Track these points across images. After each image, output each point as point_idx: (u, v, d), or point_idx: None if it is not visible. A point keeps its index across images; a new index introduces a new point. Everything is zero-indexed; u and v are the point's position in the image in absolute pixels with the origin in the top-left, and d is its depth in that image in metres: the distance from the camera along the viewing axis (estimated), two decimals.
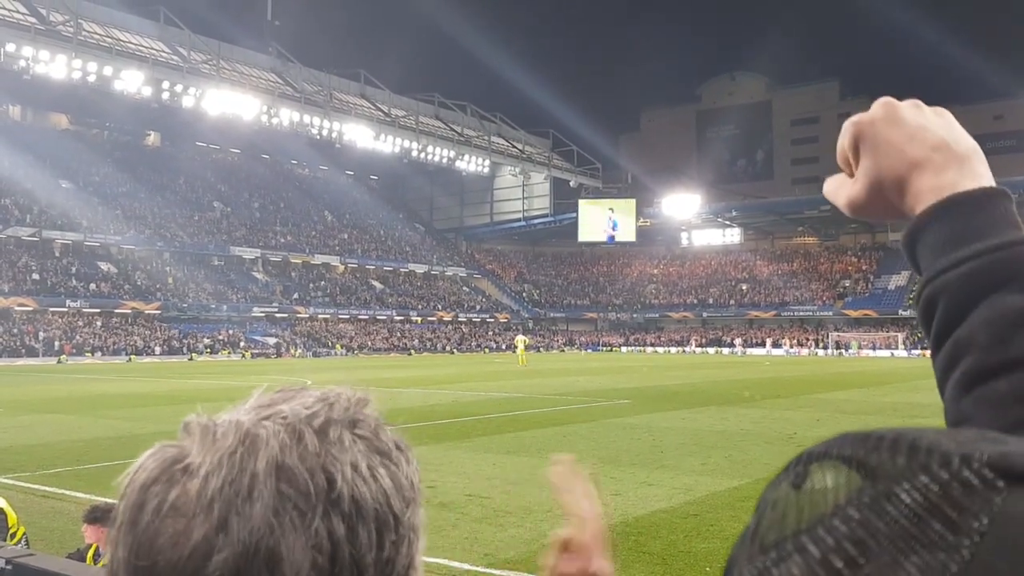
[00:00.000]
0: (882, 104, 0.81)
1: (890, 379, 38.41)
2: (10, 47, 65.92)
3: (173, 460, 0.62)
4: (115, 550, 0.62)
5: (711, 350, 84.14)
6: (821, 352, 79.11)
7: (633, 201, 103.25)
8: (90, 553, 6.57)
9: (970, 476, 0.43)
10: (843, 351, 78.28)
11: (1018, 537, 0.41)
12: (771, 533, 0.47)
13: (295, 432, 0.62)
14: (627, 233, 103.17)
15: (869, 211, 0.81)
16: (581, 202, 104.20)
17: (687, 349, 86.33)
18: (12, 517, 7.68)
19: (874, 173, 0.78)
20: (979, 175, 0.76)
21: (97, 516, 6.46)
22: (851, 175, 0.81)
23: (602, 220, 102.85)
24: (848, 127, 0.80)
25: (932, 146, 0.77)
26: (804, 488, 0.48)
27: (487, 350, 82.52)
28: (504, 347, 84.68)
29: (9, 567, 5.97)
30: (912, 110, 0.80)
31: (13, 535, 7.54)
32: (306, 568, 0.58)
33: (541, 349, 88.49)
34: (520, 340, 60.72)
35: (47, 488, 12.36)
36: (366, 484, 0.62)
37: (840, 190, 0.82)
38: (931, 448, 0.46)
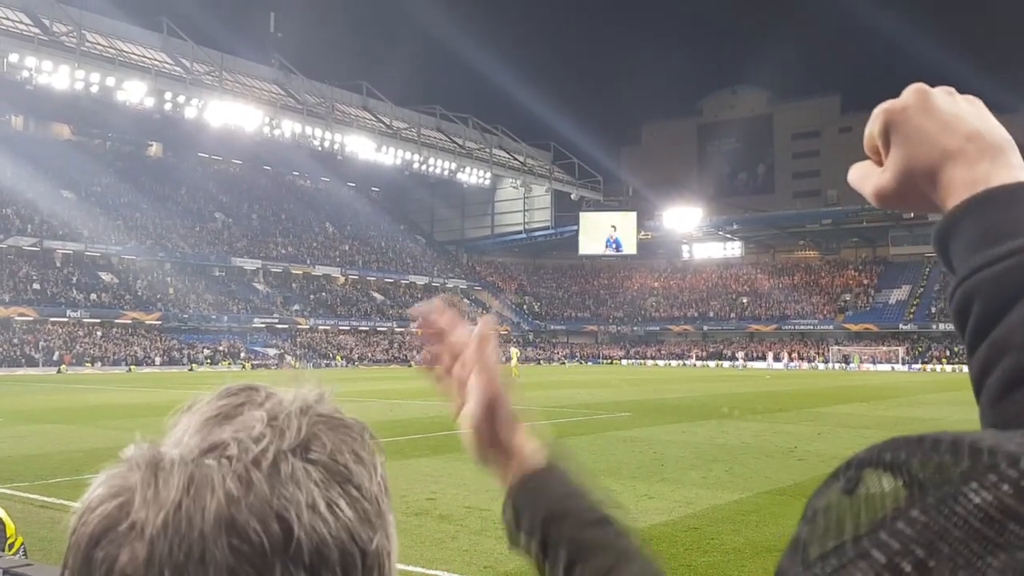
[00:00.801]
0: (914, 91, 0.78)
1: (891, 393, 38.36)
2: (13, 57, 66.14)
3: (119, 512, 0.58)
4: None
5: (712, 363, 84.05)
6: (822, 366, 79.03)
7: (634, 214, 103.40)
8: None
9: None
10: (844, 365, 78.21)
11: None
12: (827, 540, 0.46)
13: (242, 478, 0.57)
14: (628, 246, 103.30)
15: (898, 202, 0.79)
16: (583, 214, 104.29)
17: (687, 362, 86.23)
18: (10, 527, 7.64)
19: (905, 163, 0.75)
20: (1014, 166, 0.73)
21: None
22: (879, 164, 0.78)
23: (603, 232, 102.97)
24: (879, 114, 0.77)
25: (966, 135, 0.74)
26: (858, 493, 0.47)
27: None
28: (503, 359, 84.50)
29: None
30: (945, 98, 0.77)
31: (11, 545, 7.51)
32: None
33: (541, 362, 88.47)
34: (513, 352, 60.53)
35: (46, 498, 12.32)
36: (326, 524, 0.57)
37: (867, 179, 0.79)
38: (994, 449, 0.45)
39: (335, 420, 0.63)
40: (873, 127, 0.77)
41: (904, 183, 0.75)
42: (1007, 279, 0.66)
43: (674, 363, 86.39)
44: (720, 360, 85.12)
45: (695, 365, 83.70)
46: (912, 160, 0.74)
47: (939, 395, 38.09)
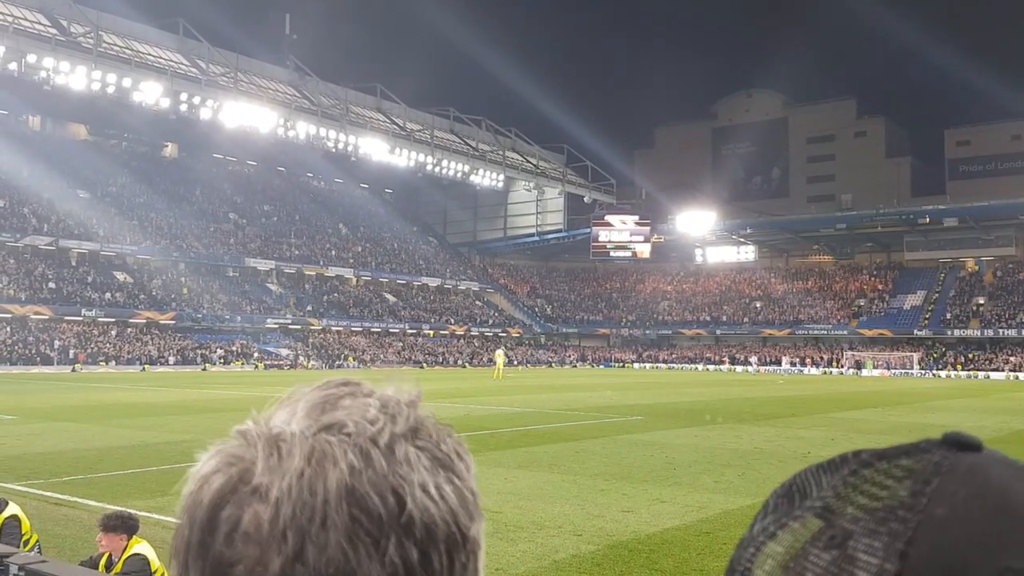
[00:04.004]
0: None
1: (905, 399, 38.17)
2: (31, 58, 66.55)
3: (239, 478, 0.60)
4: (183, 571, 0.61)
5: (724, 367, 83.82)
6: (835, 371, 78.71)
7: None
8: (103, 561, 6.57)
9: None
10: (857, 370, 77.88)
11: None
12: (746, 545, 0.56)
13: (363, 452, 0.61)
14: (641, 250, 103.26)
15: None
16: (607, 216, 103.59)
17: (700, 366, 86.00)
18: (26, 524, 7.71)
19: None
20: None
21: (114, 524, 6.46)
22: None
23: (620, 235, 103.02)
24: None
25: None
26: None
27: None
28: (515, 362, 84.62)
29: (22, 573, 5.98)
30: None
31: (27, 542, 7.56)
32: None
33: (553, 364, 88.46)
34: (499, 354, 60.13)
35: (60, 496, 12.40)
36: (435, 505, 0.61)
37: None
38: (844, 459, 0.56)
39: (434, 417, 0.67)
40: None
41: None
42: None
43: (687, 367, 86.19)
44: (733, 364, 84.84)
45: (707, 369, 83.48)
46: None
47: (953, 401, 37.92)
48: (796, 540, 0.52)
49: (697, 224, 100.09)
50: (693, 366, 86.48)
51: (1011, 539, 0.47)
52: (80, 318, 65.98)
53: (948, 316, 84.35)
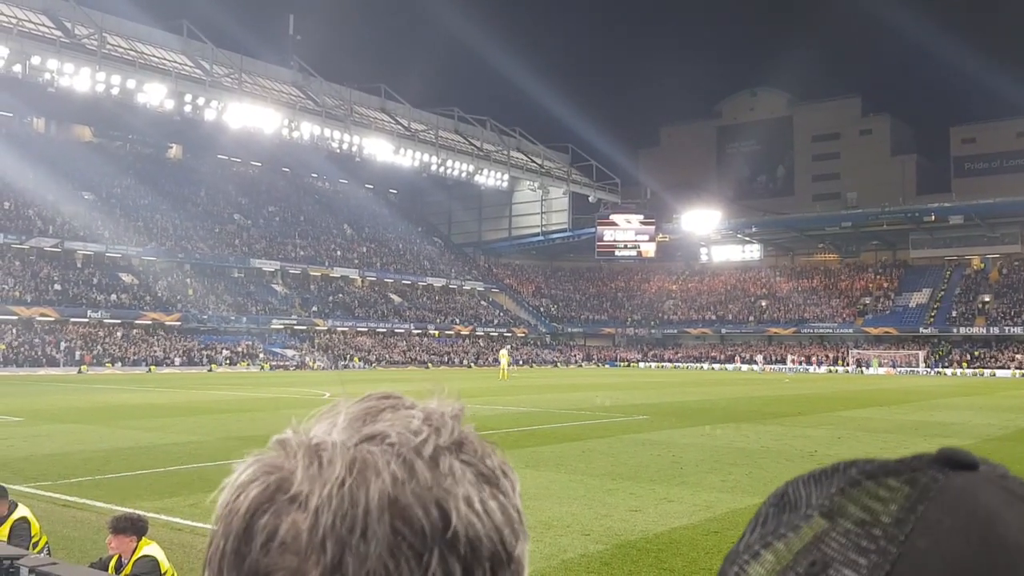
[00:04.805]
0: None
1: (911, 397, 38.11)
2: (35, 60, 66.64)
3: (277, 487, 0.59)
4: None
5: (730, 366, 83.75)
6: (841, 369, 78.60)
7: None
8: (112, 563, 6.57)
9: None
10: (863, 369, 77.78)
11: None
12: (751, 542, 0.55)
13: (406, 463, 0.59)
14: (646, 249, 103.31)
15: None
16: (612, 216, 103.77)
17: (705, 365, 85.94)
18: (35, 526, 7.72)
19: None
20: None
21: (124, 526, 6.46)
22: None
23: (625, 234, 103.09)
24: None
25: None
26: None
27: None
28: (521, 361, 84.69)
29: (32, 575, 5.99)
30: None
31: (36, 544, 7.57)
32: None
33: (558, 364, 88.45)
34: (503, 354, 60.47)
35: (68, 497, 12.41)
36: (480, 520, 0.59)
37: None
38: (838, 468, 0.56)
39: (478, 433, 0.65)
40: None
41: None
42: None
43: (692, 366, 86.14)
44: (740, 363, 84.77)
45: (713, 368, 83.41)
46: None
47: (959, 399, 37.83)
48: (778, 562, 0.51)
49: (702, 223, 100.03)
50: (698, 365, 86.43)
51: None
52: (86, 320, 66.10)
53: (953, 314, 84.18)
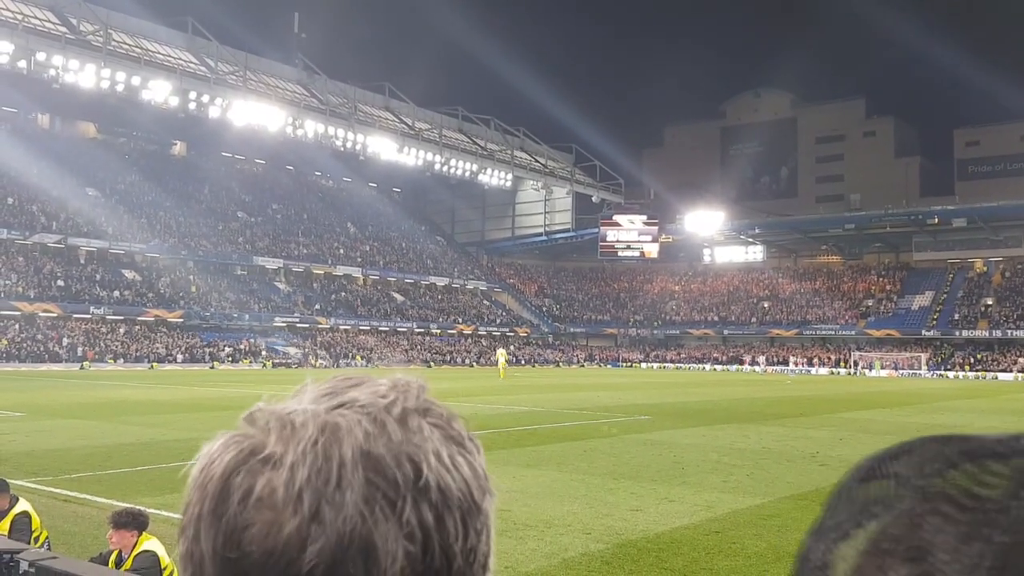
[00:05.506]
0: None
1: (913, 400, 38.08)
2: (41, 56, 66.71)
3: (250, 451, 0.61)
4: (195, 542, 0.61)
5: (732, 367, 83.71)
6: (843, 371, 78.53)
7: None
8: (113, 558, 6.57)
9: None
10: (866, 370, 77.72)
11: None
12: (837, 517, 0.52)
13: (376, 421, 0.62)
14: (649, 249, 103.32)
15: None
16: (615, 216, 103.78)
17: (708, 366, 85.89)
18: (36, 520, 7.72)
19: None
20: None
21: (125, 521, 6.46)
22: None
23: (628, 235, 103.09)
24: None
25: None
26: (869, 482, 0.52)
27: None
28: (523, 360, 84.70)
29: (33, 570, 5.99)
30: None
31: (36, 538, 7.58)
32: (400, 558, 0.58)
33: (560, 364, 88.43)
34: (501, 354, 60.59)
35: (69, 492, 12.42)
36: (449, 473, 0.62)
37: None
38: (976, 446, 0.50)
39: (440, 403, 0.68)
40: None
41: None
42: None
43: (694, 367, 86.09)
44: (740, 364, 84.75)
45: (715, 369, 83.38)
46: None
47: (961, 402, 37.81)
48: (873, 543, 0.49)
49: (705, 224, 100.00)
50: (701, 366, 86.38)
51: None
52: (88, 316, 66.16)
53: (956, 317, 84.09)
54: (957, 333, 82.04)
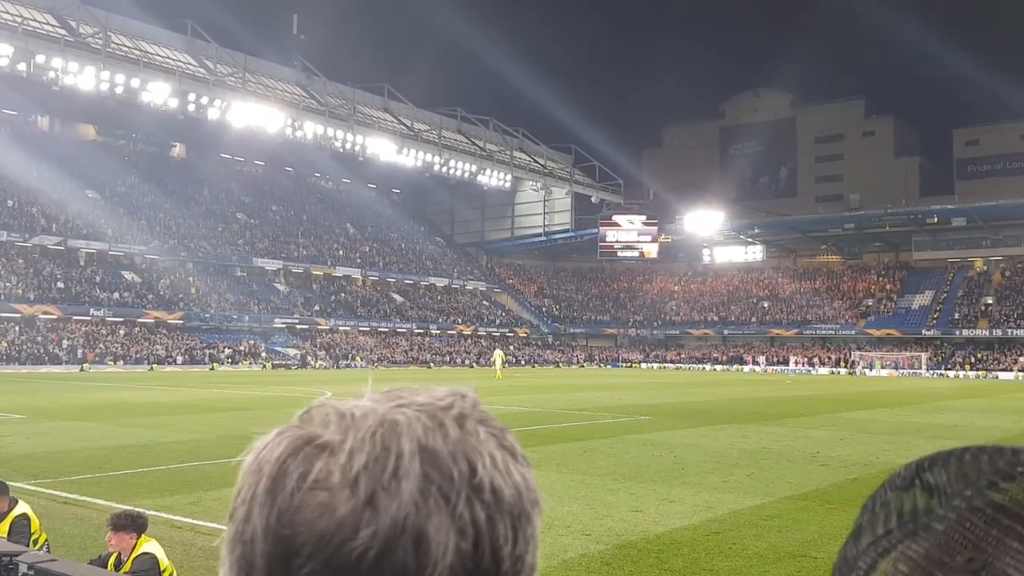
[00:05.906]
0: None
1: (914, 399, 38.05)
2: (40, 58, 66.71)
3: (307, 439, 0.62)
4: (246, 522, 0.61)
5: (732, 367, 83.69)
6: (843, 371, 78.51)
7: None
8: (112, 560, 6.56)
9: None
10: (866, 370, 77.70)
11: None
12: (877, 529, 0.50)
13: (435, 419, 0.63)
14: (649, 250, 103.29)
15: None
16: (615, 216, 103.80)
17: (707, 366, 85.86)
18: (35, 523, 7.71)
19: None
20: None
21: (124, 523, 6.45)
22: None
23: (627, 235, 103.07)
24: None
25: None
26: (910, 491, 0.50)
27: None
28: (523, 361, 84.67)
29: (32, 572, 5.98)
30: None
31: (36, 541, 7.57)
32: (450, 551, 0.59)
33: (560, 364, 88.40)
34: (498, 355, 60.58)
35: (68, 495, 12.41)
36: (503, 478, 0.62)
37: None
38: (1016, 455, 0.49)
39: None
40: None
41: None
42: None
43: (694, 367, 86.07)
44: (740, 364, 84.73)
45: (715, 369, 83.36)
46: None
47: (961, 401, 37.78)
48: (925, 554, 0.48)
49: (705, 224, 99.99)
50: (700, 366, 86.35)
51: None
52: (88, 318, 66.15)
53: (956, 316, 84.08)
54: (957, 332, 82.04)
